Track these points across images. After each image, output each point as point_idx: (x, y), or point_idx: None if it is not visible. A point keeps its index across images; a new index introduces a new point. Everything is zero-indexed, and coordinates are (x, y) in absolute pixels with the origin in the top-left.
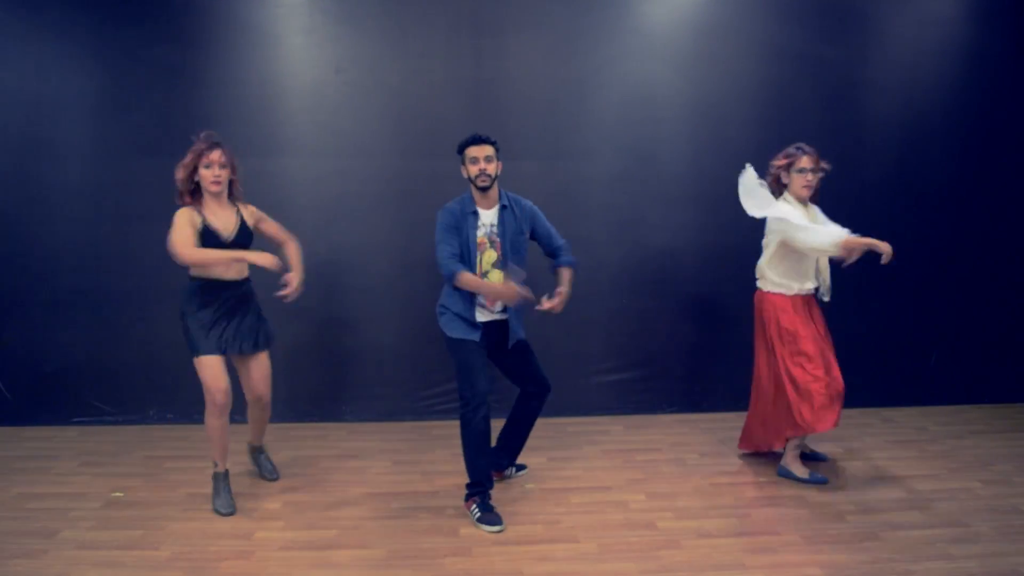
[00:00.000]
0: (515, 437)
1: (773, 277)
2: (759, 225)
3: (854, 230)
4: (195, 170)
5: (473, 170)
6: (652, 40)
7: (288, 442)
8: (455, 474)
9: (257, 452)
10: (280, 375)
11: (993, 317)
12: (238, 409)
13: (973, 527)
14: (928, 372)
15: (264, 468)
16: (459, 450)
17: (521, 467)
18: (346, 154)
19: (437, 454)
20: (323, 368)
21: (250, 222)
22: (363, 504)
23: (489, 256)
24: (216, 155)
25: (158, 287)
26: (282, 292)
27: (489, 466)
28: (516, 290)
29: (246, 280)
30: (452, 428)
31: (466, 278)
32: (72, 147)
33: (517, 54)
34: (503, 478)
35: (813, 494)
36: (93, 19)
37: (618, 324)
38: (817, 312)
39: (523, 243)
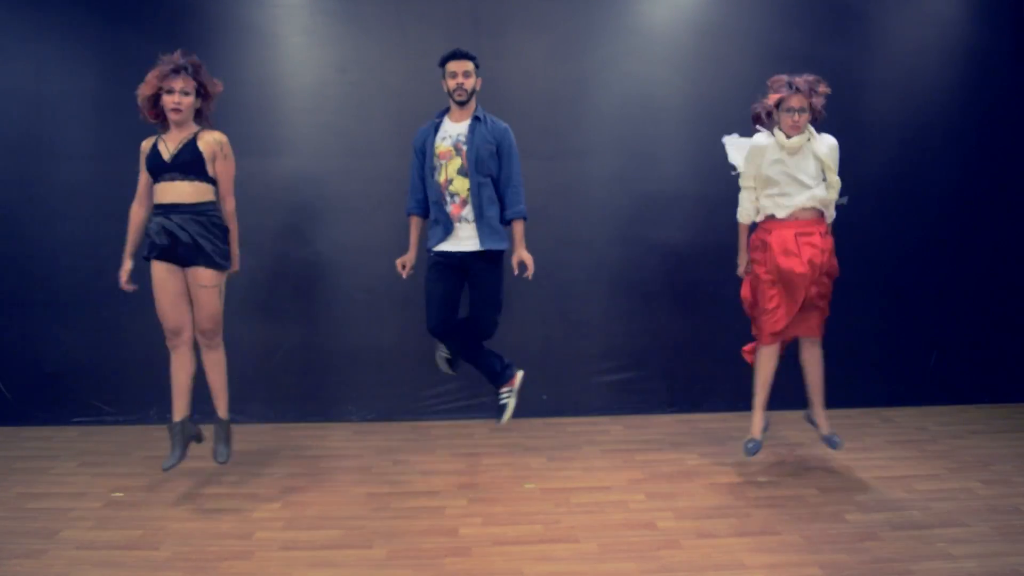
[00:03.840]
0: (464, 341)
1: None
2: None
3: (854, 230)
4: (159, 93)
5: (451, 84)
6: (652, 40)
7: (288, 442)
8: (455, 474)
9: (218, 429)
10: (281, 375)
11: (993, 317)
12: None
13: (973, 527)
14: (928, 372)
15: (217, 450)
16: (459, 450)
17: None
18: (346, 154)
19: (437, 454)
20: (323, 368)
21: (204, 149)
22: (363, 504)
23: (454, 164)
24: (179, 82)
25: None
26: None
27: (491, 358)
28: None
29: (203, 205)
30: (452, 428)
31: (413, 225)
32: (72, 147)
33: (517, 54)
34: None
35: (813, 494)
36: (93, 19)
37: (618, 324)
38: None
39: (489, 156)
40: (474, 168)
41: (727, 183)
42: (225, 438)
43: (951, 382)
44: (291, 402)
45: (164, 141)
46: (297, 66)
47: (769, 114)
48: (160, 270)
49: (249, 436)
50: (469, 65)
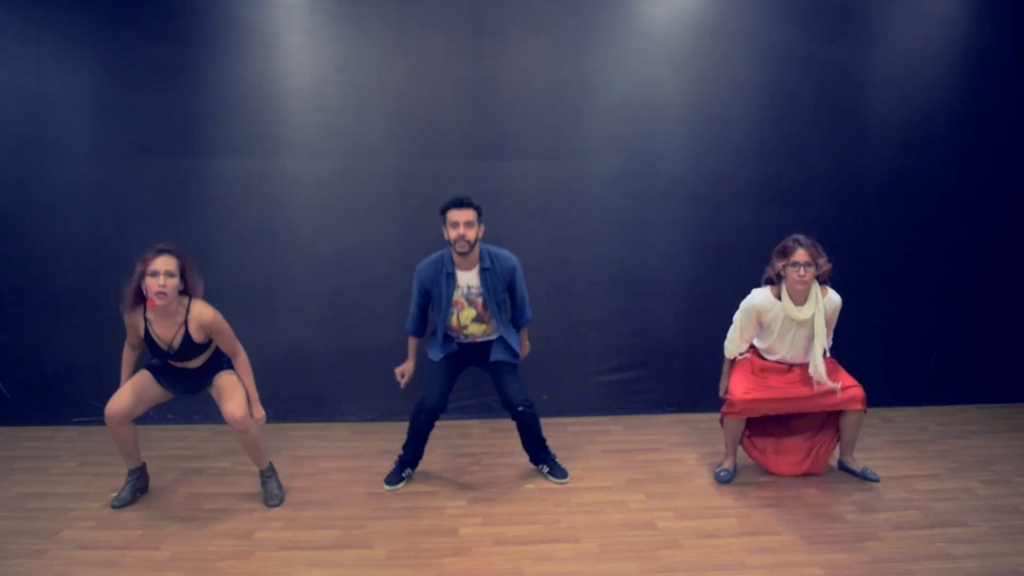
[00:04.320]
0: (524, 443)
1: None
2: (758, 225)
3: (855, 229)
4: (142, 278)
5: (452, 234)
6: (652, 40)
7: (288, 442)
8: (455, 474)
9: (262, 477)
10: (281, 375)
11: (993, 317)
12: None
13: (973, 527)
14: (928, 372)
15: (267, 493)
16: (459, 450)
17: (556, 469)
18: (346, 154)
19: (437, 454)
20: (323, 368)
21: (198, 338)
22: (363, 504)
23: (468, 313)
24: (162, 262)
25: None
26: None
27: (418, 451)
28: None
29: (207, 364)
30: (452, 428)
31: (411, 343)
32: (72, 147)
33: (517, 54)
34: (539, 472)
35: (813, 494)
36: (93, 19)
37: (618, 324)
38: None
39: (504, 298)
40: (497, 316)
41: (727, 183)
42: (278, 482)
43: (951, 382)
44: (291, 402)
45: (153, 327)
46: (297, 66)
47: (779, 275)
48: (148, 379)
49: None
50: (471, 214)
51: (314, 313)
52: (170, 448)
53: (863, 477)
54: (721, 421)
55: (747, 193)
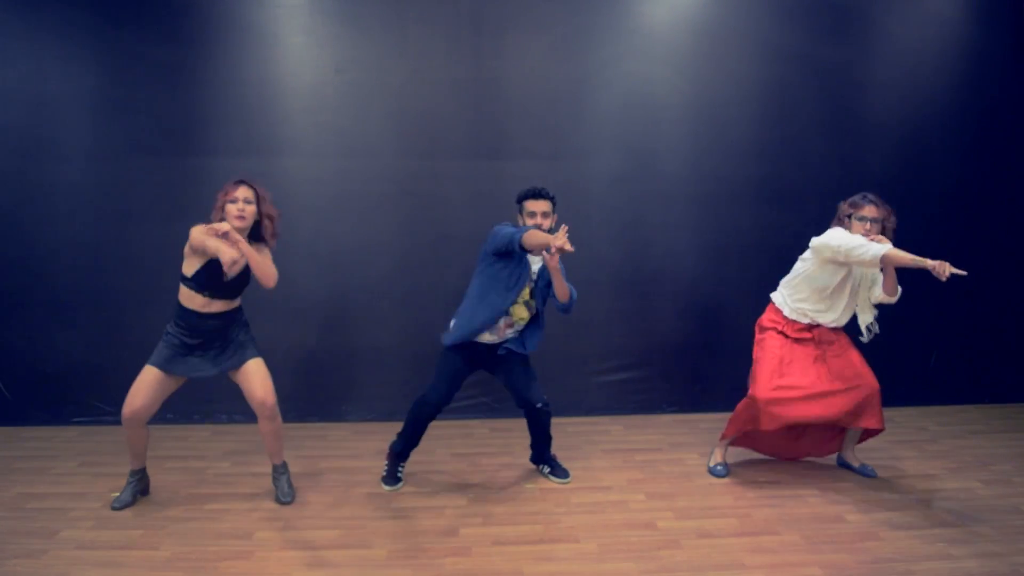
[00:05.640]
0: (533, 441)
1: (787, 297)
2: (758, 225)
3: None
4: (223, 208)
5: (530, 223)
6: (652, 40)
7: (288, 442)
8: (455, 474)
9: (275, 472)
10: (281, 375)
11: (993, 317)
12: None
13: (973, 527)
14: (928, 372)
15: (279, 490)
16: (459, 450)
17: (557, 469)
18: (346, 154)
19: (437, 454)
20: (323, 368)
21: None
22: (363, 504)
23: (526, 294)
24: (242, 191)
25: (158, 287)
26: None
27: (411, 443)
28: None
29: (232, 312)
30: (452, 428)
31: (532, 232)
32: (72, 147)
33: (517, 54)
34: (540, 472)
35: (813, 494)
36: (93, 19)
37: (618, 324)
38: (831, 351)
39: (549, 292)
40: (540, 302)
41: (727, 183)
42: (289, 480)
43: (951, 382)
44: (291, 402)
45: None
46: (297, 66)
47: (849, 216)
48: (156, 374)
49: (249, 436)
50: (547, 205)
51: (314, 313)
52: (170, 448)
53: (862, 473)
54: (737, 427)
55: (747, 193)
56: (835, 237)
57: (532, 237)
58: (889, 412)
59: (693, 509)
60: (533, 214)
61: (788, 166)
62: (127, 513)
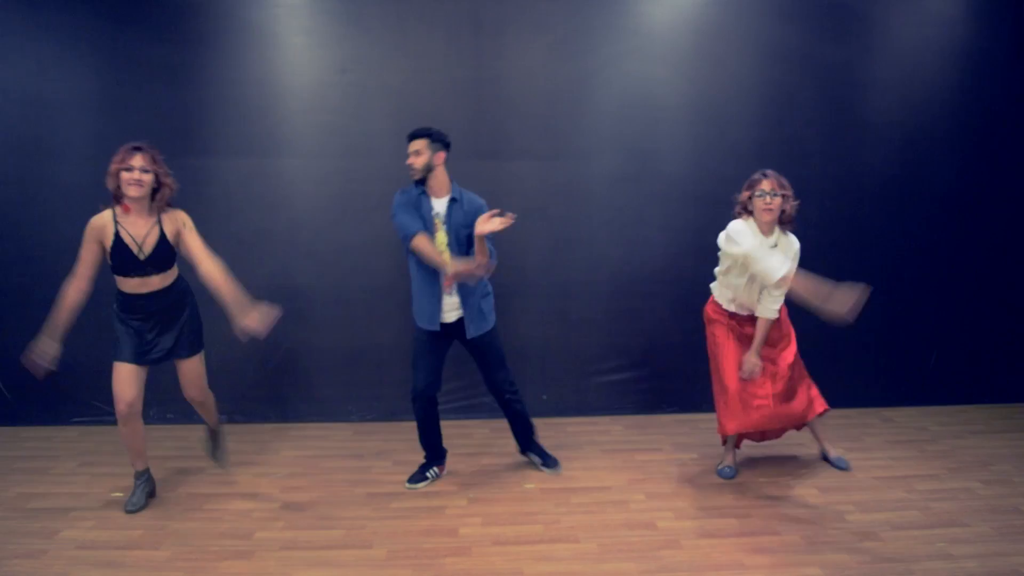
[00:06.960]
0: (511, 428)
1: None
2: None
3: (855, 229)
4: (119, 176)
5: (407, 163)
6: (652, 40)
7: (289, 442)
8: (455, 474)
9: (209, 435)
10: (281, 375)
11: (993, 317)
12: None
13: (973, 527)
14: (928, 372)
15: (209, 448)
16: (459, 450)
17: (546, 458)
18: (346, 154)
19: None
20: (324, 368)
21: (169, 234)
22: (363, 504)
23: (441, 237)
24: (137, 159)
25: None
26: (248, 330)
27: (431, 444)
28: (469, 266)
29: (172, 286)
30: (453, 428)
31: (422, 240)
32: (72, 147)
33: (517, 54)
34: (530, 462)
35: (813, 494)
36: (93, 19)
37: (618, 324)
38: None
39: (467, 237)
40: (455, 248)
41: (727, 183)
42: (220, 442)
43: (951, 382)
44: (291, 402)
45: (126, 228)
46: (297, 66)
47: (746, 208)
48: (129, 367)
49: (249, 436)
50: (418, 144)
51: (314, 313)
52: (170, 448)
53: (836, 466)
54: (723, 440)
55: None
56: (738, 245)
57: (420, 248)
58: (889, 412)
59: (693, 509)
60: (407, 155)
61: (788, 166)
62: (127, 513)
